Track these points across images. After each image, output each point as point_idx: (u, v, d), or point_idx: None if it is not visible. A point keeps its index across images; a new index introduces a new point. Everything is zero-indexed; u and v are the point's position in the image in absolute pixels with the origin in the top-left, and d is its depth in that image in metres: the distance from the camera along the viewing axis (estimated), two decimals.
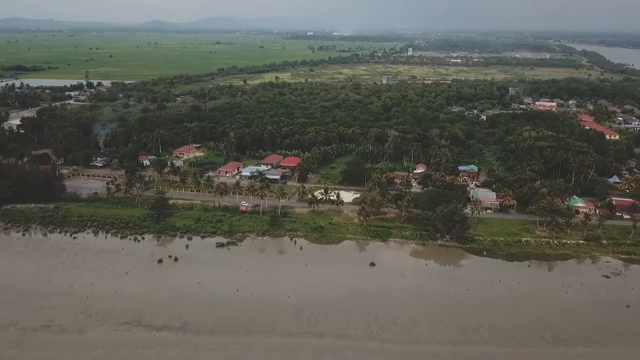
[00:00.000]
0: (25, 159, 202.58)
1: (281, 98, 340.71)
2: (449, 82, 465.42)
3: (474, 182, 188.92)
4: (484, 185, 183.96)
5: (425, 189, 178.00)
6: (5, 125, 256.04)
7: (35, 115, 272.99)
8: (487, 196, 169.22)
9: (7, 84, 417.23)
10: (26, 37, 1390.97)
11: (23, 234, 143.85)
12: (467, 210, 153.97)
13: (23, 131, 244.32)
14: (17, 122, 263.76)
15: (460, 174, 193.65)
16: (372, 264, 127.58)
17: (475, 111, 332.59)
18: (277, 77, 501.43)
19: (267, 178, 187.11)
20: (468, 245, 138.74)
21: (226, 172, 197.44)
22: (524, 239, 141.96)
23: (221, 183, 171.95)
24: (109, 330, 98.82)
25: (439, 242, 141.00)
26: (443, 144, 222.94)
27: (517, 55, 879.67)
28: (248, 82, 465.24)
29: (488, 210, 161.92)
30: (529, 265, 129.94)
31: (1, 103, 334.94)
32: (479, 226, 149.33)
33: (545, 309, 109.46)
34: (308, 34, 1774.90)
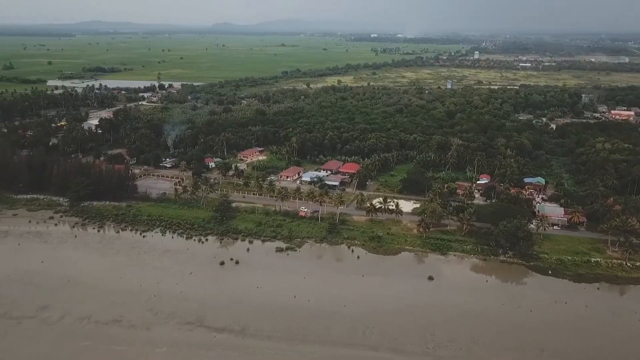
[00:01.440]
0: (101, 158, 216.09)
1: (343, 102, 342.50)
2: (517, 87, 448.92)
3: (540, 196, 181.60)
4: (552, 199, 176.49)
5: (489, 201, 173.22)
6: (85, 125, 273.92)
7: (112, 116, 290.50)
8: (554, 211, 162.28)
9: (87, 85, 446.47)
10: (105, 39, 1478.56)
11: (98, 231, 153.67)
12: (532, 226, 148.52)
13: (100, 131, 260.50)
14: (95, 122, 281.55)
15: (526, 187, 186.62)
16: (431, 278, 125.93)
17: (544, 119, 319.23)
18: (339, 81, 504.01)
19: (326, 184, 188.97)
20: (532, 263, 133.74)
21: (287, 177, 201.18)
22: (593, 260, 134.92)
23: (282, 187, 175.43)
24: (173, 329, 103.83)
25: (501, 258, 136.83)
26: (508, 154, 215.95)
27: (592, 59, 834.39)
28: (311, 85, 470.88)
29: (555, 227, 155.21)
30: (598, 288, 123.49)
31: (82, 103, 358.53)
32: (544, 243, 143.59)
33: (615, 337, 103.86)
34: (372, 36, 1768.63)
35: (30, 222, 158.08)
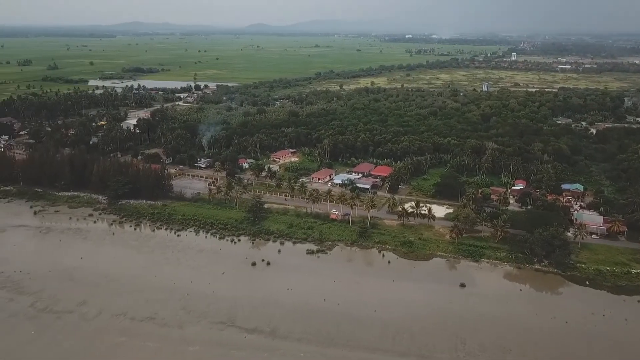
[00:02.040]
0: (139, 158, 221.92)
1: (375, 104, 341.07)
2: (556, 90, 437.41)
3: (578, 203, 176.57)
4: (590, 207, 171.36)
5: (524, 207, 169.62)
6: (124, 125, 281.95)
7: (149, 116, 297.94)
8: (592, 220, 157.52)
9: (126, 86, 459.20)
10: (144, 40, 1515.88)
11: (135, 229, 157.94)
12: (569, 234, 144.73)
13: (138, 131, 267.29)
14: (134, 121, 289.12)
15: (564, 194, 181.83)
16: (462, 285, 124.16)
17: (584, 124, 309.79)
18: (372, 82, 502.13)
19: (357, 187, 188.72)
20: (568, 273, 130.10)
21: (319, 179, 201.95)
22: (634, 271, 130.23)
23: (314, 190, 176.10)
24: (205, 328, 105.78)
25: (536, 266, 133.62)
26: (545, 160, 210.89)
27: (637, 61, 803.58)
28: (344, 86, 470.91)
29: (593, 236, 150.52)
30: (638, 301, 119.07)
31: (121, 103, 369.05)
32: (581, 252, 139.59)
33: None
34: (406, 36, 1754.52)
35: (70, 218, 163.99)
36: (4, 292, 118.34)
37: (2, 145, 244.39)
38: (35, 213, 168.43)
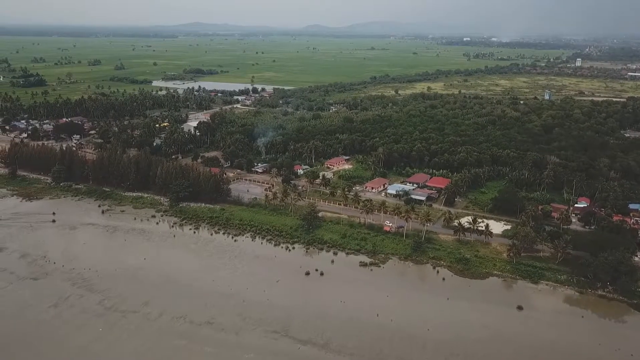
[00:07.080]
0: (199, 160, 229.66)
1: (432, 111, 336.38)
2: (625, 100, 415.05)
3: None
4: None
5: (587, 227, 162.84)
6: (185, 127, 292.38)
7: (209, 119, 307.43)
8: None
9: (187, 88, 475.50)
10: (204, 40, 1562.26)
11: (194, 232, 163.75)
12: (637, 259, 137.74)
13: (199, 133, 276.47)
14: (194, 124, 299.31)
15: (631, 214, 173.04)
16: (520, 307, 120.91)
17: None
18: (429, 88, 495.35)
19: (412, 198, 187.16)
20: (635, 301, 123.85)
21: (372, 188, 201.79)
22: None
23: (367, 200, 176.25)
24: (260, 336, 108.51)
25: (600, 292, 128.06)
26: (612, 176, 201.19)
27: None
28: (399, 92, 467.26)
29: None
30: None
31: (183, 105, 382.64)
32: None
33: None
34: (464, 39, 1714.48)
35: (135, 219, 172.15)
36: (75, 288, 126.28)
37: (74, 145, 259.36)
38: (103, 212, 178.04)
